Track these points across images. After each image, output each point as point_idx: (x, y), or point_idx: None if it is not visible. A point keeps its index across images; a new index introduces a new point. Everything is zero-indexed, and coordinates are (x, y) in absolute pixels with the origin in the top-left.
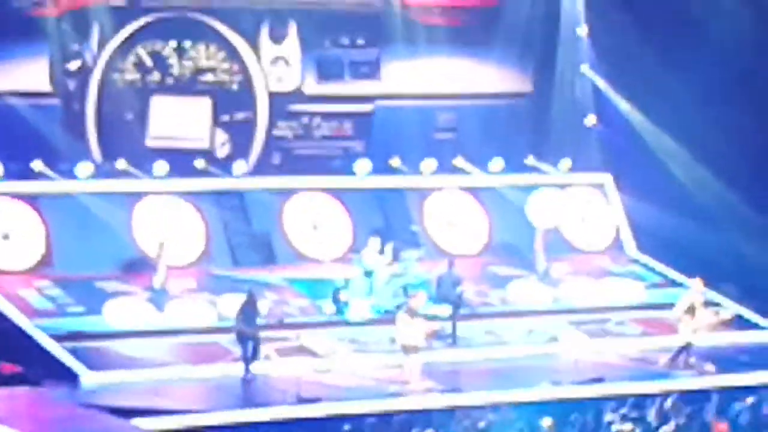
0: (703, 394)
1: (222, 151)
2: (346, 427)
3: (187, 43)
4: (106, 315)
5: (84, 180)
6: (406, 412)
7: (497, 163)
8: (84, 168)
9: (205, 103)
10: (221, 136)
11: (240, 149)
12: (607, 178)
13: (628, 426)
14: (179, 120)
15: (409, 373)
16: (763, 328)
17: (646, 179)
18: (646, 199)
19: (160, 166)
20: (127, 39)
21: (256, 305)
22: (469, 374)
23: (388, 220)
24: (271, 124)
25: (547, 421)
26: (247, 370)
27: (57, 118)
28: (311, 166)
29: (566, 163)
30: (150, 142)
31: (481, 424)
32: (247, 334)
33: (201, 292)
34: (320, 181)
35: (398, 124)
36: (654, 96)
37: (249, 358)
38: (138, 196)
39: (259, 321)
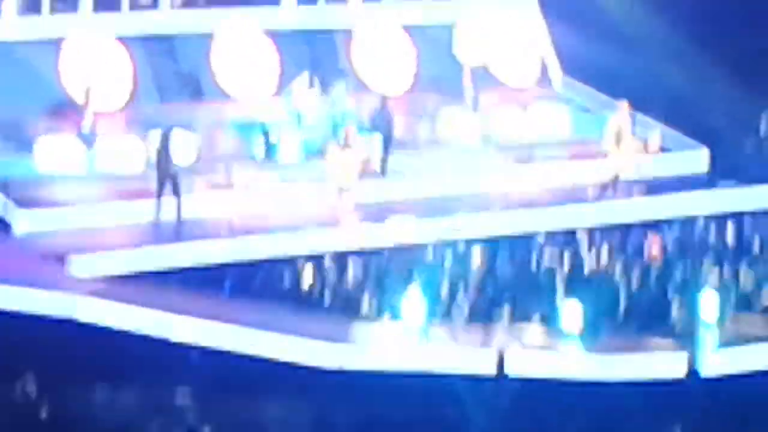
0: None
1: None
2: (279, 264)
3: None
4: (36, 156)
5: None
6: (339, 247)
7: None
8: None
9: None
10: None
11: None
12: (532, 5)
13: (558, 255)
14: None
15: (343, 208)
16: (688, 149)
17: (573, 5)
18: (573, 25)
19: (85, 4)
20: None
21: (169, 143)
22: (399, 207)
23: (316, 57)
24: None
25: (477, 251)
26: (159, 208)
27: None
28: (239, 2)
29: None
30: None
31: (413, 257)
32: (165, 172)
33: (129, 132)
34: (249, 17)
35: None
36: None
37: (166, 195)
38: (63, 38)
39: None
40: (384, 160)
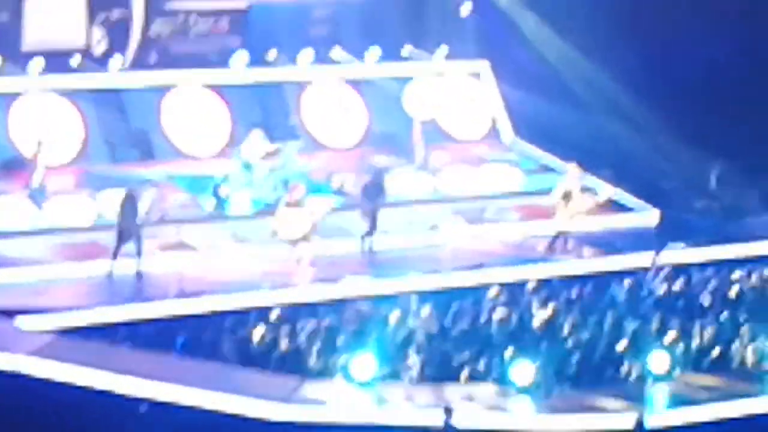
0: (581, 278)
1: (98, 49)
2: (229, 321)
3: None
4: None
5: None
6: (289, 303)
7: (374, 52)
8: None
9: (80, 2)
10: (97, 33)
11: (117, 47)
12: (483, 65)
13: (508, 312)
14: (54, 21)
15: (294, 265)
16: (638, 210)
17: (522, 66)
18: (523, 85)
19: (36, 63)
20: None
21: (135, 202)
22: (350, 264)
23: (267, 113)
24: (147, 22)
25: (427, 310)
26: (113, 262)
27: None
28: (188, 63)
29: (443, 50)
30: (26, 47)
31: (364, 315)
32: (127, 231)
33: (80, 189)
34: (197, 75)
35: (274, 20)
36: None
37: (118, 253)
38: (14, 95)
39: (140, 218)
40: (370, 233)
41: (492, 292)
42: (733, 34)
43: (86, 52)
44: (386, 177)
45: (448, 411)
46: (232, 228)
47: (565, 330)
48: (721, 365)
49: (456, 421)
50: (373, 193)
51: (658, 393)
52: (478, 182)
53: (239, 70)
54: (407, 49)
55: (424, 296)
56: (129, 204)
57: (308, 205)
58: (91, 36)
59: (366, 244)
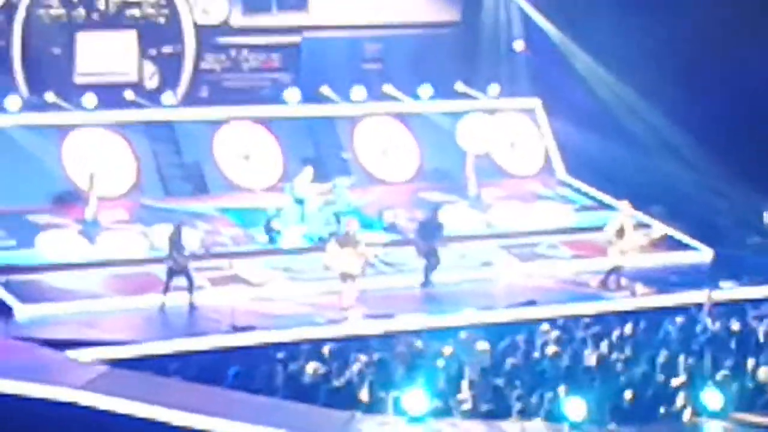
0: (634, 314)
1: (150, 83)
2: (280, 355)
3: None
4: (38, 248)
5: (12, 113)
6: (341, 338)
7: (426, 89)
8: (12, 101)
9: (131, 37)
10: (149, 68)
11: (168, 82)
12: (536, 103)
13: (560, 348)
14: (106, 55)
15: (345, 300)
16: (691, 248)
17: (575, 103)
18: (575, 123)
19: (89, 99)
20: None
21: (181, 236)
22: (403, 299)
23: (319, 148)
24: (199, 57)
25: (482, 345)
26: (165, 296)
27: None
28: (240, 98)
29: (495, 88)
30: (78, 79)
31: (416, 349)
32: (176, 265)
33: (133, 223)
34: (250, 110)
35: (326, 55)
36: (582, 20)
37: (170, 287)
38: (68, 128)
39: (188, 252)
40: (429, 270)
41: (544, 328)
42: None
43: (138, 87)
44: (441, 213)
45: None
46: (284, 262)
47: (618, 366)
48: None
49: None
50: (430, 230)
51: (713, 430)
52: (530, 218)
53: (291, 105)
54: (459, 86)
55: (476, 331)
56: (178, 238)
57: (360, 241)
58: (143, 70)
59: (427, 278)
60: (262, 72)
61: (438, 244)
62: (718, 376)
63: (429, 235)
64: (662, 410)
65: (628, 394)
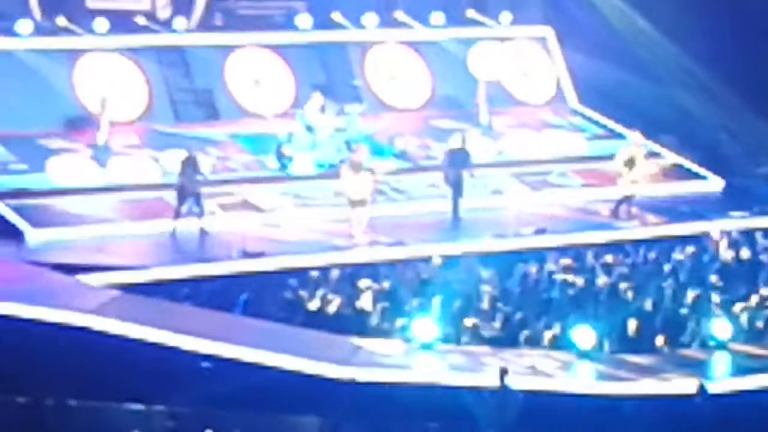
0: (644, 243)
1: (163, 13)
2: (292, 281)
3: None
4: (49, 172)
5: (24, 37)
6: (351, 265)
7: (438, 17)
8: (24, 25)
9: None
10: None
11: (181, 10)
12: (548, 31)
13: (570, 276)
14: None
15: (355, 226)
16: (701, 177)
17: (587, 32)
18: (587, 52)
19: (101, 23)
20: None
21: (196, 162)
22: (413, 227)
23: (330, 74)
24: None
25: (486, 272)
26: (176, 221)
27: None
28: (253, 26)
29: (507, 16)
30: (90, 4)
31: (425, 276)
32: (188, 190)
33: (144, 148)
34: (262, 36)
35: None
36: None
37: (184, 213)
38: (79, 53)
39: (201, 178)
40: (456, 202)
41: (553, 257)
42: None
43: (151, 15)
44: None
45: (504, 373)
46: (294, 189)
47: (628, 295)
48: None
49: (512, 383)
50: (459, 158)
51: (721, 360)
52: (541, 146)
53: (303, 31)
54: (470, 13)
55: (486, 259)
56: (189, 164)
57: (371, 168)
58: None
59: (455, 208)
60: (276, 0)
61: (466, 173)
62: (728, 306)
63: (458, 163)
64: (672, 339)
65: (636, 323)
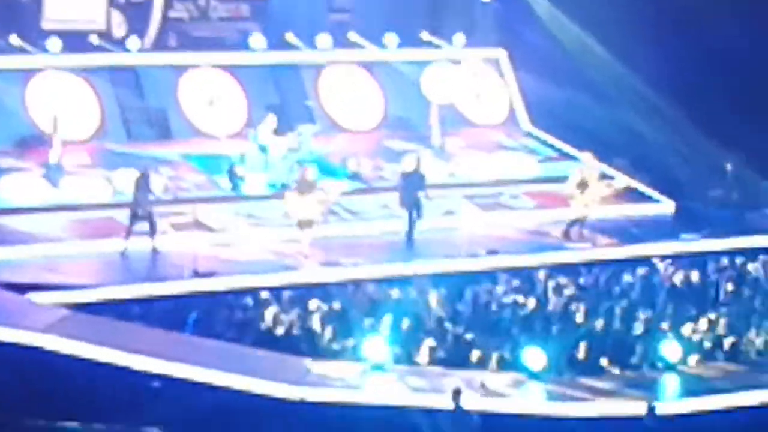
0: (596, 266)
1: (118, 32)
2: (241, 301)
3: None
4: (0, 191)
5: None
6: (302, 285)
7: (391, 38)
8: None
9: None
10: (117, 17)
11: (136, 30)
12: (501, 53)
13: (521, 297)
14: (75, 2)
15: (306, 247)
16: (653, 200)
17: (540, 55)
18: (540, 74)
19: (54, 43)
20: None
21: (148, 181)
22: (365, 247)
23: (284, 95)
24: (167, 6)
25: (437, 294)
26: (127, 241)
27: None
28: (207, 46)
29: (461, 38)
30: (45, 24)
31: (377, 297)
32: (140, 210)
33: (96, 167)
34: (215, 57)
35: (295, 6)
36: None
37: (132, 232)
38: (32, 72)
39: (154, 197)
40: (413, 223)
41: (504, 278)
42: (753, 27)
43: (106, 35)
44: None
45: (458, 393)
46: (247, 209)
47: (578, 317)
48: (734, 355)
49: (466, 404)
50: (413, 181)
51: (670, 381)
52: (493, 168)
53: (257, 51)
54: (424, 35)
55: (437, 281)
56: (143, 183)
57: (320, 188)
58: (111, 19)
59: (411, 230)
60: (230, 21)
61: (421, 195)
62: (678, 327)
63: (413, 185)
64: (622, 361)
65: (586, 345)
